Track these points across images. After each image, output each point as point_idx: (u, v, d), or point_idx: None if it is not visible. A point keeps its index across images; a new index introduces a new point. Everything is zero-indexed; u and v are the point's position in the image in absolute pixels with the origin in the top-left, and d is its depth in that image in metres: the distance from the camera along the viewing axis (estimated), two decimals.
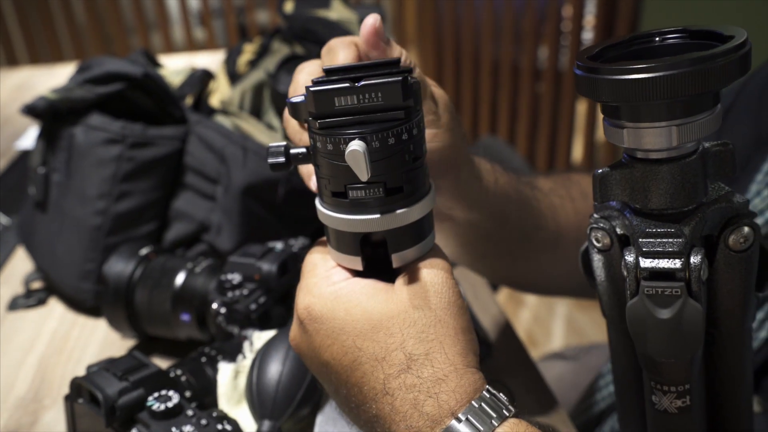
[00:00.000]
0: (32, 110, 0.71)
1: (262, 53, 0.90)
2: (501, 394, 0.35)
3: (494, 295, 0.78)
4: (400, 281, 0.37)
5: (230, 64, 0.91)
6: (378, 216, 0.35)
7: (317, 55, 0.42)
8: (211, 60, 1.47)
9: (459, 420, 0.33)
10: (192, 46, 2.63)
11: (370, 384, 0.36)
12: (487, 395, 0.35)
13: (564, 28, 2.26)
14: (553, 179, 0.62)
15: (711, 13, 1.65)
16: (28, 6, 2.55)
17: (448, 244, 0.55)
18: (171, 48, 2.62)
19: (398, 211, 0.36)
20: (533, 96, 2.39)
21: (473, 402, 0.34)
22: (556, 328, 1.90)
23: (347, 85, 0.33)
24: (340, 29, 0.86)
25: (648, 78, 0.30)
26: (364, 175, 0.33)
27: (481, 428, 0.33)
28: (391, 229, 0.36)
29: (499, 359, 0.64)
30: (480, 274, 0.68)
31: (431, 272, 0.37)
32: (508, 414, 0.34)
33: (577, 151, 2.39)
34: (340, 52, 0.40)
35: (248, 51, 0.93)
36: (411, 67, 0.39)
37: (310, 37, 0.83)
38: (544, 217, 0.57)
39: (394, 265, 0.38)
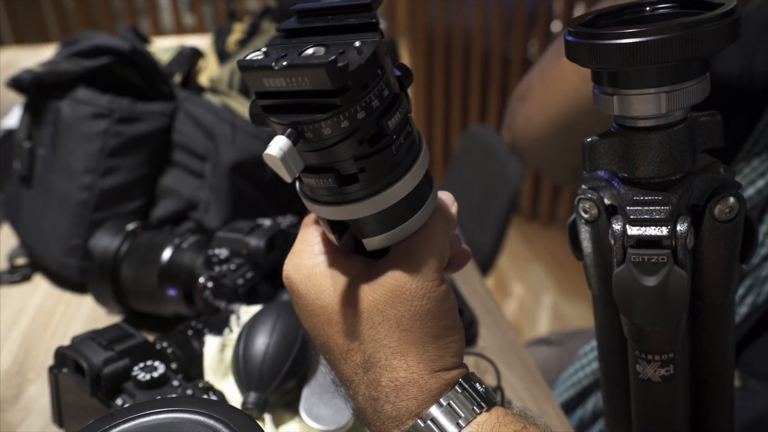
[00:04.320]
0: (18, 83, 0.70)
1: (251, 33, 0.90)
2: (477, 385, 0.33)
3: (483, 280, 0.78)
4: (378, 276, 0.33)
5: (220, 44, 0.91)
6: (330, 207, 0.32)
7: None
8: (201, 42, 1.45)
9: (424, 420, 0.32)
10: (181, 30, 2.60)
11: (338, 370, 0.35)
12: (460, 390, 0.33)
13: (554, 20, 2.26)
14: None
15: None
16: None
17: None
18: (160, 32, 2.60)
19: (354, 204, 0.31)
20: None
21: (442, 400, 0.32)
22: (542, 318, 1.91)
23: (272, 64, 0.28)
24: None
25: (639, 42, 0.30)
26: (287, 177, 0.29)
27: (447, 429, 0.31)
28: (351, 219, 0.32)
29: (486, 341, 0.65)
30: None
31: (406, 271, 0.33)
32: (479, 411, 0.32)
33: None
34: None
35: (238, 30, 0.92)
36: (374, 22, 0.30)
37: None
38: None
39: (367, 248, 0.34)
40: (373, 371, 0.33)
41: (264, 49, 0.29)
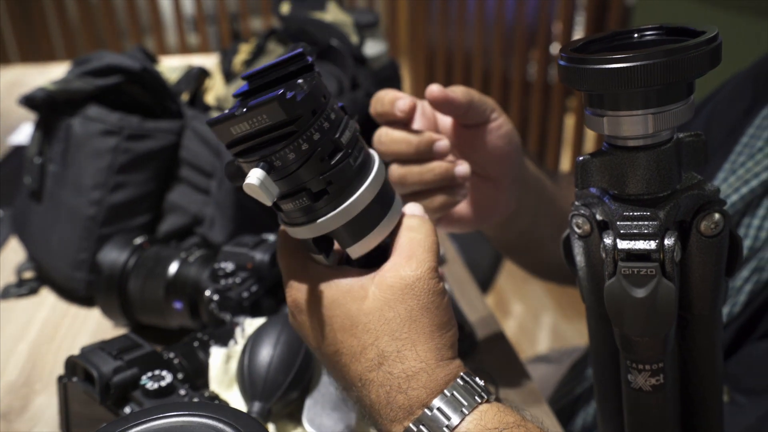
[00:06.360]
0: (31, 101, 0.73)
1: (257, 53, 0.92)
2: (476, 379, 0.36)
3: (483, 297, 0.79)
4: (380, 276, 0.37)
5: (226, 64, 0.93)
6: (312, 225, 0.36)
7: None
8: (207, 62, 1.48)
9: (431, 409, 0.35)
10: (185, 50, 2.65)
11: (349, 374, 0.37)
12: (461, 382, 0.35)
13: (553, 42, 2.30)
14: (566, 179, 0.67)
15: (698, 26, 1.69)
16: (22, 8, 2.55)
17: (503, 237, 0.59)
18: (164, 51, 2.64)
19: (333, 214, 0.36)
20: (523, 108, 2.43)
21: (446, 391, 0.35)
22: (542, 337, 1.92)
23: (234, 113, 0.33)
24: (335, 31, 0.88)
25: (626, 67, 0.32)
26: (267, 201, 0.33)
27: (452, 416, 0.34)
28: (332, 230, 0.36)
29: (485, 356, 0.66)
30: (523, 267, 0.72)
31: (409, 269, 0.36)
32: (480, 400, 0.35)
33: (565, 164, 2.42)
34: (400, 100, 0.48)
35: (244, 51, 0.95)
36: (310, 62, 0.36)
37: (305, 37, 0.85)
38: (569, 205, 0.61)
39: (353, 257, 0.38)
40: (386, 364, 0.36)
41: (227, 111, 0.35)
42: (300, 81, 0.34)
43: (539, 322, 1.98)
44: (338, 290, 0.37)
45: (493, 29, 2.40)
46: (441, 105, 0.49)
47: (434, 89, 0.48)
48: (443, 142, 0.49)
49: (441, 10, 2.53)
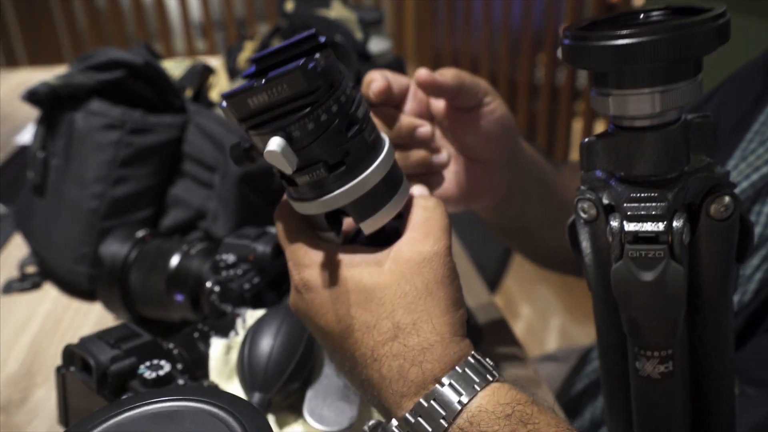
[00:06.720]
0: (34, 95, 0.73)
1: (262, 51, 0.92)
2: (487, 359, 0.36)
3: (489, 293, 0.78)
4: (395, 251, 0.37)
5: (230, 61, 0.93)
6: (331, 196, 0.36)
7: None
8: (212, 62, 1.48)
9: (442, 384, 0.34)
10: (193, 54, 2.66)
11: (360, 350, 0.37)
12: (472, 360, 0.35)
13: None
14: (568, 165, 0.66)
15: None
16: (30, 11, 2.57)
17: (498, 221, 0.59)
18: (172, 56, 2.65)
19: (344, 187, 0.36)
20: (530, 112, 2.42)
21: (457, 367, 0.35)
22: (550, 339, 1.90)
23: (253, 84, 0.33)
24: (339, 28, 0.87)
25: (632, 43, 0.31)
26: (288, 168, 0.34)
27: (464, 392, 0.34)
28: (348, 203, 0.37)
29: (491, 350, 0.65)
30: (517, 250, 0.71)
31: (427, 244, 0.37)
32: (491, 378, 0.35)
33: None
34: (374, 82, 0.47)
35: (248, 48, 0.94)
36: (323, 42, 0.37)
37: None
38: (570, 191, 0.60)
39: (366, 232, 0.38)
40: (402, 336, 0.35)
41: (240, 86, 0.35)
42: (317, 56, 0.34)
43: (547, 323, 1.96)
44: (352, 265, 0.37)
45: (500, 32, 2.39)
46: (429, 89, 0.49)
47: (422, 73, 0.48)
48: (425, 129, 0.49)
49: (447, 14, 2.53)
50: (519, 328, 1.94)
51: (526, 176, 0.56)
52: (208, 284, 0.58)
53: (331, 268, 0.37)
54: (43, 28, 2.59)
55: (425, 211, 0.39)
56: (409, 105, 0.50)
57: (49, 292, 0.76)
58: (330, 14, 0.91)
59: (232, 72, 0.93)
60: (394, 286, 0.36)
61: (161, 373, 0.46)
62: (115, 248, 0.65)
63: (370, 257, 0.38)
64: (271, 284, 0.60)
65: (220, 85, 0.90)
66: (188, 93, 0.85)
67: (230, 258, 0.59)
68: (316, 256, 0.38)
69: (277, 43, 0.94)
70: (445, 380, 0.34)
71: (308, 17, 0.89)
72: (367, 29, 0.92)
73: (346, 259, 0.38)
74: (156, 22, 2.63)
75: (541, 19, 2.29)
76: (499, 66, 2.43)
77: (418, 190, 0.42)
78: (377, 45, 0.93)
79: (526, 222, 0.60)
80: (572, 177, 0.62)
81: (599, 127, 2.32)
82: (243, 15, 2.79)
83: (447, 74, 0.48)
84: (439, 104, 0.52)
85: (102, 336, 0.48)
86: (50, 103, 0.74)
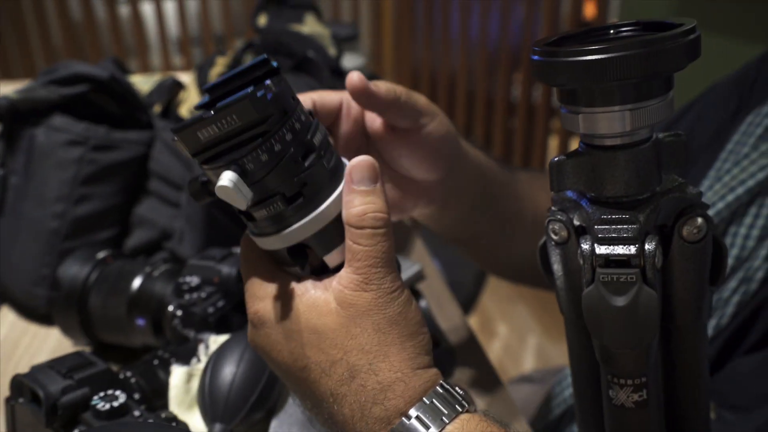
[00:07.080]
0: None
1: (234, 66, 0.91)
2: (456, 388, 0.35)
3: (463, 316, 0.77)
4: (338, 293, 0.35)
5: (202, 76, 0.91)
6: (291, 229, 0.34)
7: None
8: (184, 77, 1.46)
9: (409, 417, 0.33)
10: (169, 70, 2.63)
11: (319, 390, 0.35)
12: (441, 390, 0.34)
13: None
14: (529, 173, 0.64)
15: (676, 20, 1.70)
16: (3, 25, 2.53)
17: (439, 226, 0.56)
18: (148, 72, 2.62)
19: (303, 220, 0.34)
20: (507, 130, 2.43)
21: (425, 398, 0.34)
22: (527, 358, 1.89)
23: (202, 116, 0.31)
24: (312, 43, 0.86)
25: (601, 59, 0.30)
26: (242, 204, 0.32)
27: (431, 425, 0.33)
28: (309, 236, 0.35)
29: (465, 374, 0.63)
30: (465, 257, 0.68)
31: (371, 287, 0.35)
32: (461, 409, 0.33)
33: None
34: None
35: (220, 63, 0.93)
36: (276, 67, 0.35)
37: (282, 50, 0.83)
38: (524, 201, 0.58)
39: (330, 266, 0.36)
40: (358, 378, 0.34)
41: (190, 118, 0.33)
42: (268, 82, 0.32)
43: (524, 342, 1.95)
44: (302, 303, 0.36)
45: (477, 50, 2.41)
46: (359, 96, 0.44)
47: (354, 77, 0.44)
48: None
49: (426, 31, 2.55)
50: (496, 347, 1.92)
51: (468, 185, 0.53)
52: (170, 308, 0.56)
53: (283, 302, 0.36)
54: (17, 42, 2.55)
55: (367, 243, 0.35)
56: (343, 126, 0.47)
57: (6, 315, 0.72)
58: (303, 29, 0.90)
59: (203, 87, 0.91)
60: (343, 329, 0.34)
61: (115, 404, 0.44)
62: (74, 270, 0.62)
63: (321, 296, 0.35)
64: (238, 307, 0.58)
65: (190, 101, 0.88)
66: (156, 109, 0.83)
67: (194, 280, 0.57)
68: (270, 289, 0.36)
69: (249, 59, 0.92)
70: (413, 412, 0.33)
71: (281, 32, 0.88)
72: (340, 45, 0.91)
73: (297, 296, 0.36)
74: (133, 37, 2.61)
75: (519, 37, 2.31)
76: (477, 84, 2.44)
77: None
78: (351, 61, 0.92)
79: (471, 229, 0.57)
80: (529, 183, 0.60)
81: (574, 145, 2.34)
82: (221, 31, 2.78)
83: (381, 86, 0.45)
84: (375, 123, 0.48)
85: (53, 365, 0.46)
86: (10, 118, 0.71)
